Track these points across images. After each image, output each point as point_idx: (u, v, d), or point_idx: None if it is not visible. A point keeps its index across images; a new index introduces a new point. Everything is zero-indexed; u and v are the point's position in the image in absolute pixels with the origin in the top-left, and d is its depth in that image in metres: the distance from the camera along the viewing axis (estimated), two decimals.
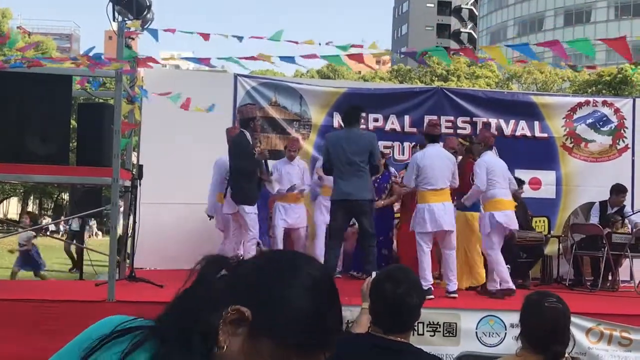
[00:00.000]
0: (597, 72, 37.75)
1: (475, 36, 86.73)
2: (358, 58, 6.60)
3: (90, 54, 6.69)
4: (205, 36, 6.80)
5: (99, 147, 7.55)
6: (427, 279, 7.49)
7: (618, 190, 9.71)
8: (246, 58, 6.65)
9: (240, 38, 6.76)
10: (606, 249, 9.06)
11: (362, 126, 10.33)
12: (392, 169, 9.83)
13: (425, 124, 9.01)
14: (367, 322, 3.31)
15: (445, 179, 7.79)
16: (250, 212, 8.20)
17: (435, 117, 10.32)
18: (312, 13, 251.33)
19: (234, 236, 8.63)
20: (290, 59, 6.54)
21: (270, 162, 8.80)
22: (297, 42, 6.58)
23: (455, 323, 6.57)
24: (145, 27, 7.09)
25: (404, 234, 9.19)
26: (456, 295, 7.54)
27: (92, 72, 6.70)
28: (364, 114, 8.82)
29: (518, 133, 10.56)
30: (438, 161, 7.79)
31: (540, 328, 3.12)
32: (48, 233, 24.21)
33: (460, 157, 8.90)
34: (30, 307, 6.21)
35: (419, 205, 7.82)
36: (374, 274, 3.41)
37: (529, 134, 10.59)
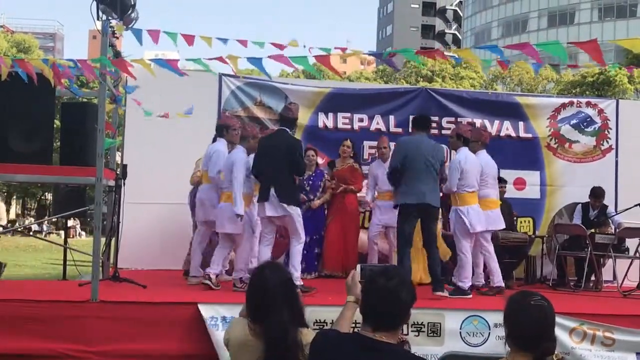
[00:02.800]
0: (580, 73, 37.99)
1: (460, 37, 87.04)
2: (325, 61, 6.51)
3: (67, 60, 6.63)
4: (190, 39, 6.67)
5: (82, 146, 7.50)
6: (468, 278, 7.82)
7: (594, 195, 9.78)
8: (215, 58, 6.57)
9: (224, 40, 6.66)
10: (589, 249, 9.12)
11: (348, 126, 10.37)
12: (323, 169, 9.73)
13: (461, 126, 8.81)
14: (351, 316, 3.39)
15: (476, 182, 8.01)
16: (300, 214, 7.63)
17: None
18: (297, 12, 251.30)
19: (266, 240, 7.61)
20: (257, 61, 6.41)
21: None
22: (281, 45, 6.48)
23: (440, 323, 6.57)
24: (130, 26, 7.02)
25: (332, 233, 9.43)
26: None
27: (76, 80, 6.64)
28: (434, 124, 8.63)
29: (502, 133, 10.57)
30: (475, 166, 8.02)
31: (528, 327, 3.08)
32: (31, 233, 24.07)
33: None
34: (13, 307, 6.15)
35: (460, 207, 7.91)
36: (358, 267, 3.45)
37: (513, 134, 10.61)
